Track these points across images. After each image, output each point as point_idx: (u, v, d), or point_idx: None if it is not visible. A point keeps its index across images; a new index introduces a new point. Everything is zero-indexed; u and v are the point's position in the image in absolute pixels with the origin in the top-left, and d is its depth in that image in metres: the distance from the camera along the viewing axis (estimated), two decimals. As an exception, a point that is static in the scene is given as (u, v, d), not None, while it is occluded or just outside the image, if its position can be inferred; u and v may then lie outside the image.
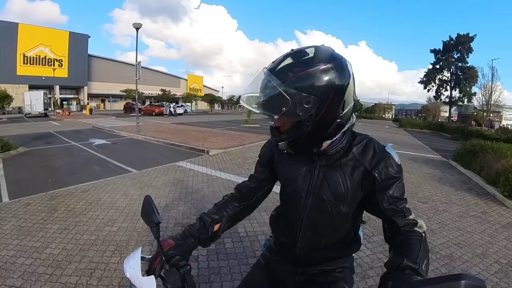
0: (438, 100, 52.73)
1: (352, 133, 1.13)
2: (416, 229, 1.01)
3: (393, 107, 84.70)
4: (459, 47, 45.73)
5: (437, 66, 49.24)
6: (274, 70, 0.94)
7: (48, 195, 5.14)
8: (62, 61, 44.21)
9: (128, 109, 40.14)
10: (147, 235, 3.67)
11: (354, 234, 1.27)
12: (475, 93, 43.35)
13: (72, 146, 11.01)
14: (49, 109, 32.73)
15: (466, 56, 45.72)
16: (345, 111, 0.98)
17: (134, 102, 41.96)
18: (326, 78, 0.91)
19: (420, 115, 67.34)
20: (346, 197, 1.10)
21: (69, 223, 4.01)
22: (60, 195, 5.16)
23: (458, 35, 45.47)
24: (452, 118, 49.62)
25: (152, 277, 0.90)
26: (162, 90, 47.51)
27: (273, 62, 0.98)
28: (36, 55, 41.95)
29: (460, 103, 49.76)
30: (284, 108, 0.91)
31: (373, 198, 1.08)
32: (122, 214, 4.36)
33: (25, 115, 29.84)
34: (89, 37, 48.62)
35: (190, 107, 50.55)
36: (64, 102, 42.01)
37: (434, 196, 5.95)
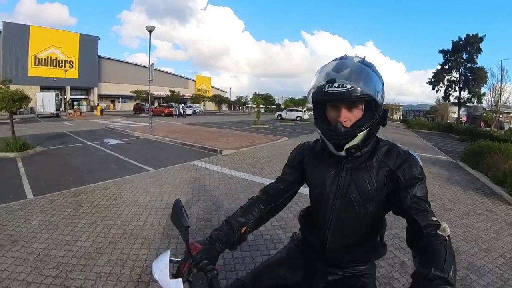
0: (447, 101, 52.33)
1: (377, 138, 1.22)
2: (439, 232, 0.99)
3: (401, 108, 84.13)
4: (468, 48, 45.24)
5: (446, 67, 48.72)
6: (355, 61, 1.09)
7: (71, 192, 5.35)
8: (72, 62, 45.00)
9: (138, 110, 40.64)
10: (172, 228, 3.84)
11: (380, 239, 1.32)
12: (484, 94, 42.97)
13: (87, 146, 11.27)
14: (60, 109, 33.11)
15: (475, 57, 45.20)
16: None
17: (143, 103, 42.61)
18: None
19: (428, 116, 66.77)
20: (373, 197, 1.15)
21: (95, 218, 4.22)
22: (83, 192, 5.37)
23: (467, 35, 45.01)
24: (461, 119, 49.19)
25: (180, 280, 0.92)
26: (171, 91, 47.78)
27: (342, 58, 1.12)
28: (47, 57, 42.79)
29: (469, 104, 49.32)
30: (377, 90, 1.05)
31: (396, 197, 1.12)
32: (146, 209, 4.58)
33: (37, 116, 30.04)
34: (99, 39, 49.42)
35: (199, 108, 50.81)
36: (75, 103, 42.50)
37: (442, 195, 6.11)
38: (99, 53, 49.39)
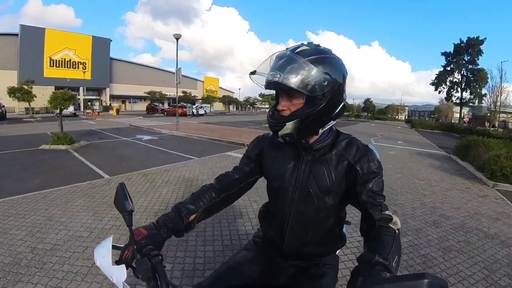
0: (449, 102, 53.47)
1: (337, 131, 1.23)
2: (391, 225, 1.04)
3: (406, 108, 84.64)
4: (470, 50, 46.68)
5: (448, 68, 50.23)
6: (294, 52, 1.04)
7: (140, 173, 6.44)
8: (85, 64, 46.63)
9: (151, 110, 41.89)
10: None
11: (339, 230, 1.34)
12: (485, 95, 44.45)
13: (125, 141, 12.22)
14: (78, 109, 34.35)
15: (476, 59, 46.66)
16: (345, 97, 1.13)
17: (156, 103, 43.97)
18: (340, 65, 1.08)
19: (432, 116, 67.51)
20: (331, 190, 1.16)
21: (172, 188, 5.42)
22: (149, 173, 6.42)
23: (469, 38, 46.39)
24: (464, 119, 50.18)
25: (123, 266, 0.89)
26: (183, 92, 49.01)
27: (287, 48, 1.09)
28: (62, 58, 44.51)
29: (471, 104, 50.50)
30: (307, 81, 1.00)
31: (353, 191, 1.13)
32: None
33: (56, 115, 30.97)
34: (111, 41, 51.13)
35: (209, 108, 52.05)
36: (88, 103, 43.88)
37: (430, 177, 7.58)
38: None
